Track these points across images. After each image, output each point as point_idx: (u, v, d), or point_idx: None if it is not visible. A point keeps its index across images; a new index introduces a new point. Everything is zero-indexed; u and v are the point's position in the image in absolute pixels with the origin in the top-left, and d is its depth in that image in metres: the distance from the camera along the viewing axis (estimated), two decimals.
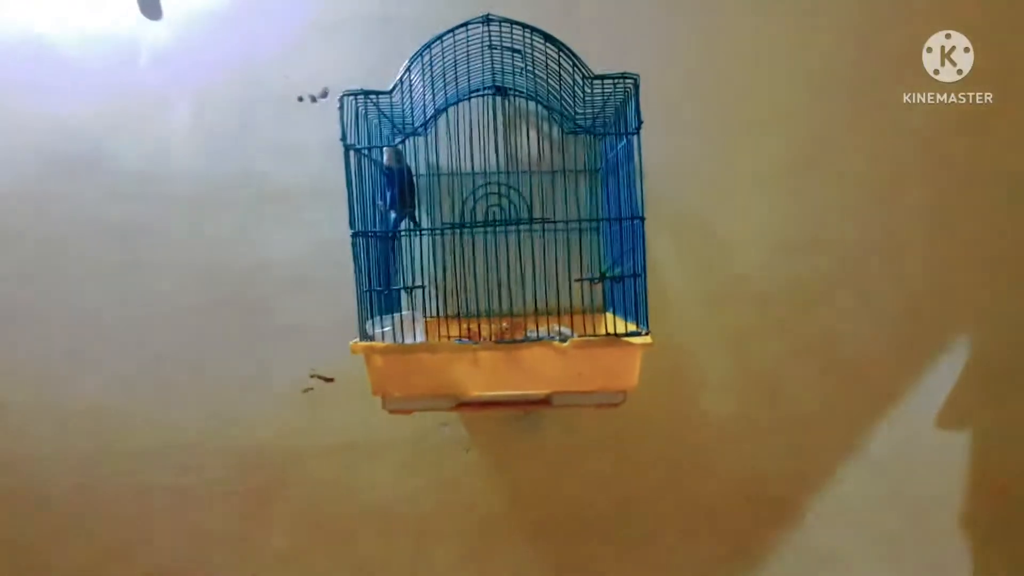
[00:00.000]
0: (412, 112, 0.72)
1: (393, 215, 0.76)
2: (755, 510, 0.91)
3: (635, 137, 0.67)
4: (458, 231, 0.72)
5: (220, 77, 0.87)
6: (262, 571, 0.91)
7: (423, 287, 0.75)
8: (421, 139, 0.80)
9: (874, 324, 0.88)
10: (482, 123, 0.77)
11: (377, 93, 0.68)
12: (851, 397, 0.89)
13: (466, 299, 0.75)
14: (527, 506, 0.90)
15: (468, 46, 0.67)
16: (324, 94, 0.87)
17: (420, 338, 0.72)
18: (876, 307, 0.88)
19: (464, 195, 0.77)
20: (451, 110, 0.76)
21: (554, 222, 0.72)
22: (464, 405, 0.70)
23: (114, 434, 0.89)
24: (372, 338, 0.67)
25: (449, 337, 0.70)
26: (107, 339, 0.89)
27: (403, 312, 0.74)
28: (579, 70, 0.67)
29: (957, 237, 0.88)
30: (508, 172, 0.75)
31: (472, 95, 0.76)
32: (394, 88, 0.68)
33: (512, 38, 0.66)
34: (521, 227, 0.70)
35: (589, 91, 0.70)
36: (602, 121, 0.79)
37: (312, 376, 0.88)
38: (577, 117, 0.78)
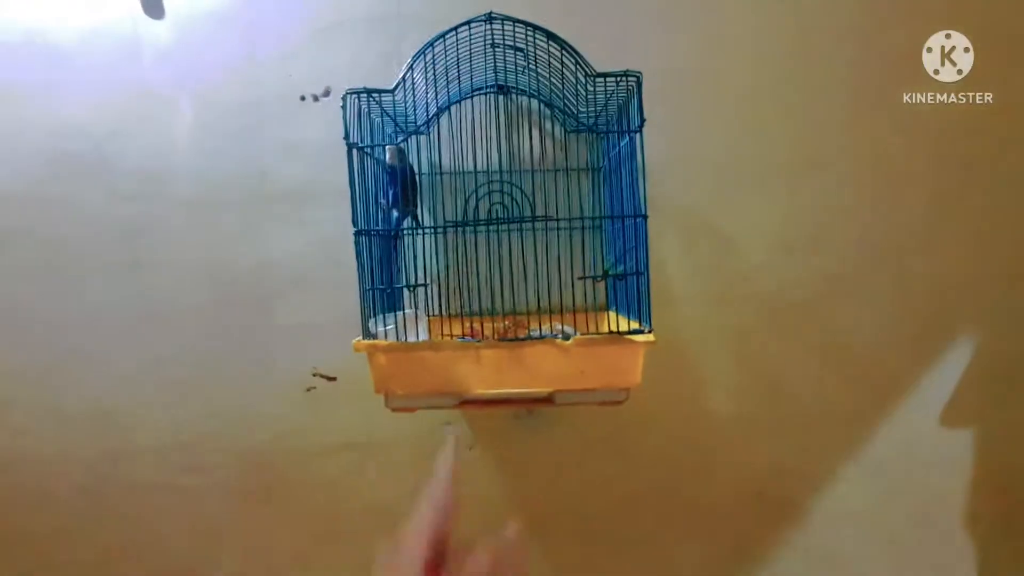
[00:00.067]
0: (415, 111, 0.72)
1: (395, 214, 0.76)
2: (757, 509, 0.91)
3: (638, 135, 0.67)
4: (460, 229, 0.72)
5: (222, 76, 0.87)
6: (266, 570, 0.90)
7: (426, 285, 0.75)
8: (423, 137, 0.80)
9: (877, 323, 0.88)
10: (484, 121, 0.77)
11: (380, 91, 0.68)
12: (854, 396, 0.89)
13: (468, 297, 0.75)
14: (528, 504, 0.90)
15: (471, 44, 0.67)
16: (326, 93, 0.87)
17: (423, 336, 0.72)
18: (879, 306, 0.88)
19: (466, 193, 0.78)
20: (453, 108, 0.76)
21: (556, 220, 0.72)
22: (467, 403, 0.70)
23: (117, 434, 0.89)
24: (375, 336, 0.67)
25: (452, 335, 0.70)
26: (110, 339, 0.88)
27: (406, 310, 0.74)
28: (581, 68, 0.67)
29: (958, 237, 0.88)
30: (510, 170, 0.75)
31: (474, 93, 0.76)
32: (397, 86, 0.68)
33: (514, 36, 0.66)
34: (524, 225, 0.70)
35: (591, 89, 0.70)
36: (604, 119, 0.79)
37: (314, 375, 0.88)
38: (580, 115, 0.78)
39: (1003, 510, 0.90)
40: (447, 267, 0.82)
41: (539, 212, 0.72)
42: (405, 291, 0.78)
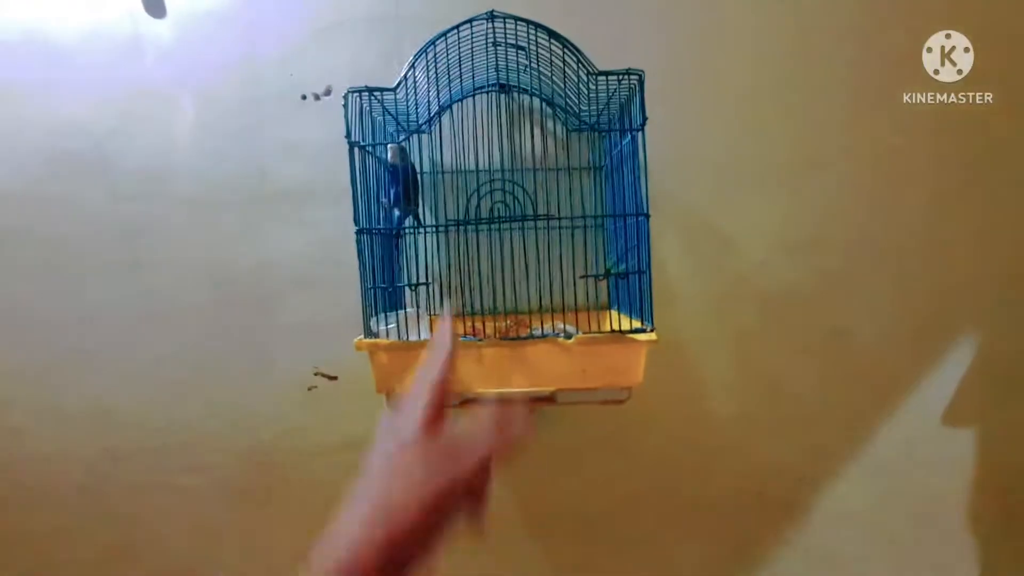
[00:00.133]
0: (416, 109, 0.72)
1: (397, 212, 0.75)
2: (758, 510, 0.90)
3: (639, 134, 0.67)
4: (462, 228, 0.72)
5: (223, 75, 0.87)
6: (266, 570, 0.90)
7: (427, 284, 0.75)
8: (425, 136, 0.80)
9: (878, 323, 0.88)
10: (486, 120, 0.77)
11: (381, 90, 0.68)
12: (855, 396, 0.89)
13: (470, 296, 0.75)
14: (529, 504, 0.90)
15: (472, 43, 0.67)
16: (328, 92, 0.86)
17: (424, 335, 0.72)
18: (880, 306, 0.88)
19: (468, 192, 0.77)
20: (455, 107, 0.76)
21: (558, 219, 0.72)
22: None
23: (117, 433, 0.89)
24: (376, 335, 0.67)
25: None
26: (110, 338, 0.88)
27: (407, 309, 0.74)
28: (583, 66, 0.67)
29: (959, 236, 0.88)
30: (512, 169, 0.75)
31: (476, 92, 0.76)
32: (398, 85, 0.67)
33: (516, 34, 0.66)
34: (525, 224, 0.70)
35: (593, 87, 0.70)
36: (606, 118, 0.79)
37: (316, 374, 0.88)
38: (581, 114, 0.78)
39: (1004, 510, 0.90)
40: (448, 266, 0.82)
41: (541, 211, 0.72)
42: (407, 290, 0.78)
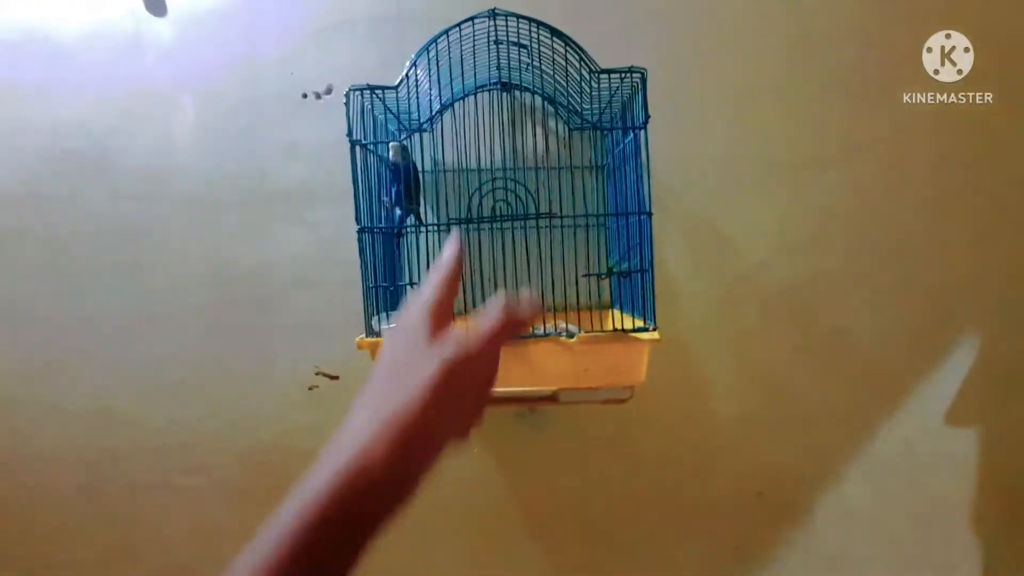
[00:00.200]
0: (418, 108, 0.72)
1: (398, 211, 0.75)
2: (760, 510, 0.90)
3: (642, 132, 0.67)
4: (463, 227, 0.72)
5: (224, 74, 0.87)
6: None
7: None
8: (426, 135, 0.80)
9: (881, 323, 0.88)
10: (487, 119, 0.77)
11: (383, 88, 0.68)
12: (856, 396, 0.89)
13: (471, 295, 0.74)
14: (530, 503, 0.90)
15: (474, 41, 0.67)
16: (329, 91, 0.86)
17: None
18: (881, 306, 0.88)
19: (470, 191, 0.77)
20: (456, 105, 0.76)
21: (561, 217, 0.72)
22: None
23: (118, 434, 0.88)
24: (378, 334, 0.67)
25: None
26: (111, 338, 0.88)
27: None
28: (586, 64, 0.67)
29: (959, 236, 0.88)
30: (514, 168, 0.75)
31: (478, 90, 0.76)
32: (400, 83, 0.67)
33: (518, 32, 0.66)
34: (527, 223, 0.70)
35: (596, 85, 0.69)
36: (608, 116, 0.79)
37: (317, 374, 0.88)
38: (583, 112, 0.78)
39: (1007, 510, 0.90)
40: None
41: (543, 209, 0.72)
42: (408, 289, 0.78)
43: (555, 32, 0.65)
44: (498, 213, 0.72)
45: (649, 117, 0.67)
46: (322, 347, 0.87)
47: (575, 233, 0.77)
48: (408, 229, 0.76)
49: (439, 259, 0.42)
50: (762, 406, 0.89)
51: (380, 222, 0.74)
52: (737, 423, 0.89)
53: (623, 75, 0.68)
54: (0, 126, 0.87)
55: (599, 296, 0.81)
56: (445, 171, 0.84)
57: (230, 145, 0.87)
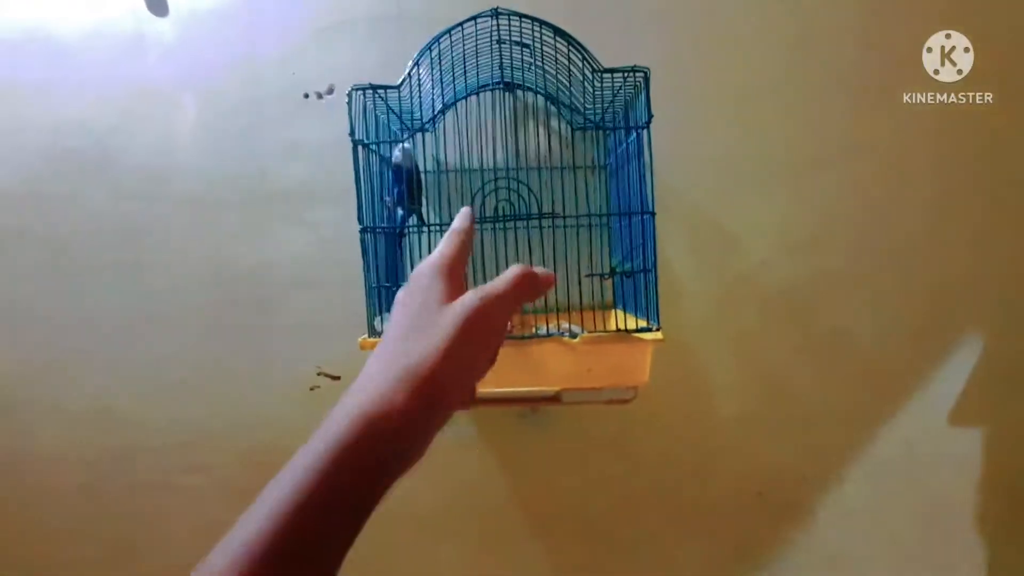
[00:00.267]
0: (420, 107, 0.72)
1: (400, 212, 0.75)
2: (760, 510, 0.90)
3: (645, 131, 0.67)
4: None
5: (225, 74, 0.87)
6: None
7: None
8: (428, 134, 0.80)
9: (882, 323, 0.88)
10: (490, 118, 0.77)
11: (385, 88, 0.68)
12: (858, 396, 0.89)
13: None
14: (531, 503, 0.90)
15: (476, 40, 0.67)
16: (330, 91, 0.86)
17: None
18: (883, 306, 0.88)
19: (472, 191, 0.77)
20: (458, 105, 0.76)
21: (563, 217, 0.72)
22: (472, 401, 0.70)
23: (118, 433, 0.88)
24: (380, 334, 0.67)
25: None
26: (111, 338, 0.88)
27: None
28: (588, 64, 0.66)
29: (959, 236, 0.88)
30: (516, 167, 0.75)
31: (480, 90, 0.76)
32: (402, 82, 0.67)
33: (521, 32, 0.66)
34: (530, 223, 0.70)
35: (598, 85, 0.69)
36: (611, 116, 0.79)
37: (319, 374, 0.87)
38: (586, 111, 0.78)
39: (1010, 510, 0.90)
40: None
41: (545, 209, 0.72)
42: None
43: (558, 31, 0.65)
44: (501, 213, 0.72)
45: (652, 116, 0.67)
46: (322, 347, 0.87)
47: (578, 233, 0.77)
48: (410, 229, 0.76)
49: (452, 226, 0.43)
50: (763, 406, 0.89)
51: (382, 222, 0.73)
52: (738, 423, 0.89)
53: (626, 74, 0.68)
54: (1, 125, 0.87)
55: (602, 296, 0.81)
56: (447, 171, 0.84)
57: (231, 145, 0.87)
